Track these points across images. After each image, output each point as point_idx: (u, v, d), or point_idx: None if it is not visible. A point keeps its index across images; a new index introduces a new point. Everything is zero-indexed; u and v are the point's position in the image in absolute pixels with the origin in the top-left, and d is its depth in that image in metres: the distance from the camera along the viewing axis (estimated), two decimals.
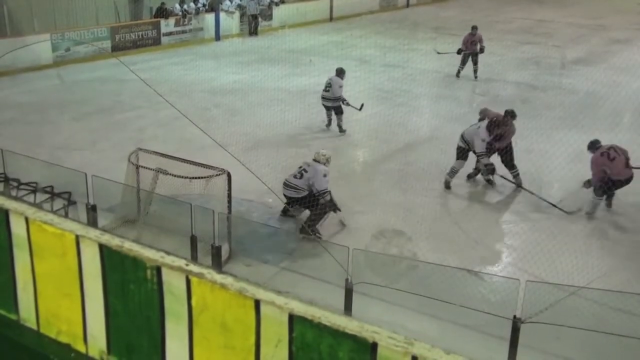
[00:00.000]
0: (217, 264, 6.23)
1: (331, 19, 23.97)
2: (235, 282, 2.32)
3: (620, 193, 8.41)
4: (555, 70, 15.91)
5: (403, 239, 7.17)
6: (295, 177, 7.36)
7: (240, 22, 20.97)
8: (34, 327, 2.81)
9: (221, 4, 20.31)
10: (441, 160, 9.51)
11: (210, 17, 19.91)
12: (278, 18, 22.00)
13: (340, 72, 11.02)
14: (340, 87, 10.82)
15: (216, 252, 6.34)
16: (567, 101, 13.00)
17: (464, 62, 14.92)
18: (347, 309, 5.42)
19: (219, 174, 6.69)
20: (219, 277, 2.35)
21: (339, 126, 10.95)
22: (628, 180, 7.80)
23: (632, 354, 5.06)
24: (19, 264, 2.90)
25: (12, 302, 2.89)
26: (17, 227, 2.85)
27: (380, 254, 6.51)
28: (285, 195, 7.32)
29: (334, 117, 11.09)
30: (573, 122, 11.31)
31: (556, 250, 6.83)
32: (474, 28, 14.88)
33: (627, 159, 7.91)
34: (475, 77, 15.01)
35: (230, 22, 20.53)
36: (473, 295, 5.60)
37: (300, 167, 7.49)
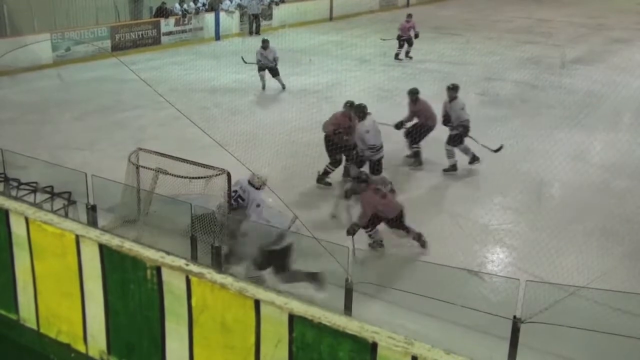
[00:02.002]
0: (217, 264, 6.22)
1: (331, 18, 23.96)
2: (235, 282, 2.32)
3: (621, 193, 8.43)
4: (555, 70, 15.90)
5: (403, 238, 7.17)
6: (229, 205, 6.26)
7: (240, 21, 20.96)
8: (34, 326, 2.81)
9: (221, 3, 20.31)
10: (441, 160, 9.51)
11: (210, 17, 19.91)
12: (278, 17, 21.99)
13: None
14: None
15: (216, 252, 6.33)
16: (567, 100, 12.98)
17: (401, 46, 17.32)
18: (347, 309, 5.42)
19: (219, 174, 6.68)
20: (219, 277, 2.35)
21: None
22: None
23: (632, 353, 5.06)
24: (19, 263, 2.89)
25: (12, 301, 2.89)
26: (17, 227, 2.85)
27: (381, 253, 6.50)
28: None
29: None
30: (573, 122, 11.30)
31: (556, 250, 6.82)
32: (409, 16, 17.47)
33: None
34: (410, 58, 17.29)
35: (230, 21, 20.52)
36: (473, 295, 5.59)
37: (235, 193, 6.37)
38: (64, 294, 2.74)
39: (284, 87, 13.88)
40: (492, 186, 8.74)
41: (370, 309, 5.61)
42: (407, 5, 28.95)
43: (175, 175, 6.96)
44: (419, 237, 6.83)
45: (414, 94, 9.49)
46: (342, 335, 2.08)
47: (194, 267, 2.35)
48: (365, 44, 19.28)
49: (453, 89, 9.31)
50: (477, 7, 28.10)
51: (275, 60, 13.70)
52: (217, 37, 19.97)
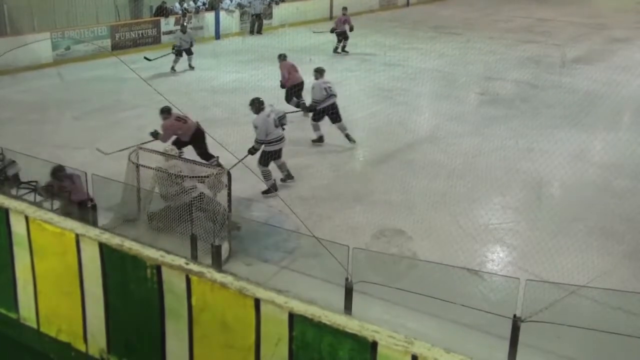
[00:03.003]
0: (217, 263, 6.23)
1: (331, 17, 23.92)
2: (235, 281, 2.32)
3: (621, 192, 8.43)
4: (555, 69, 15.90)
5: (403, 238, 7.17)
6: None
7: (241, 20, 20.95)
8: (34, 325, 2.82)
9: (221, 2, 20.30)
10: (441, 159, 9.52)
11: (210, 16, 19.90)
12: (278, 17, 21.98)
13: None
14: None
15: (216, 251, 6.34)
16: (567, 100, 12.98)
17: (339, 40, 17.86)
18: (347, 308, 5.42)
19: (220, 173, 6.69)
20: (219, 276, 2.35)
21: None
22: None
23: (632, 353, 5.06)
24: (19, 262, 2.90)
25: (12, 300, 2.90)
26: (17, 226, 2.86)
27: (381, 253, 6.51)
28: None
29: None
30: (573, 121, 11.30)
31: (556, 250, 6.82)
32: (344, 9, 18.22)
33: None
34: (346, 52, 17.88)
35: (230, 20, 20.52)
36: (473, 294, 5.59)
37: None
38: (64, 293, 2.74)
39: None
40: (492, 186, 8.73)
41: (370, 308, 5.61)
42: (407, 4, 28.94)
43: (175, 175, 6.97)
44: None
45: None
46: (342, 334, 2.08)
47: (194, 266, 2.35)
48: (365, 43, 19.28)
49: (317, 72, 10.42)
50: (478, 7, 28.09)
51: (192, 42, 15.90)
52: (217, 36, 19.97)
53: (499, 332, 5.11)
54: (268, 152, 8.19)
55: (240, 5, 20.95)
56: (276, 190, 8.08)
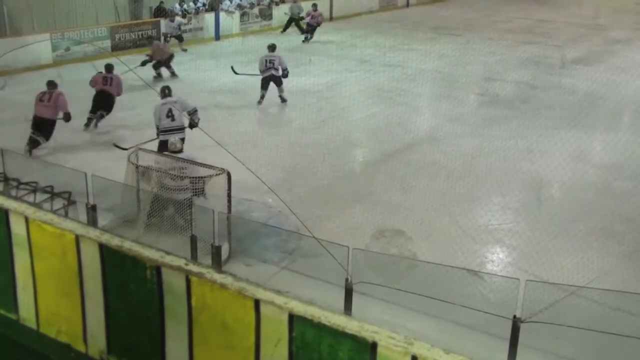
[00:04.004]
0: (217, 263, 6.23)
1: (331, 18, 23.93)
2: (235, 281, 2.32)
3: (621, 193, 8.43)
4: (555, 70, 15.90)
5: (403, 238, 7.17)
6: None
7: (241, 21, 20.95)
8: (34, 326, 2.81)
9: (221, 3, 20.30)
10: (441, 160, 9.52)
11: (210, 17, 19.89)
12: (278, 18, 21.98)
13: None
14: None
15: (216, 251, 6.33)
16: (567, 101, 12.99)
17: (308, 31, 19.71)
18: (347, 309, 5.42)
19: (219, 174, 6.69)
20: (218, 277, 2.35)
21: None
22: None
23: (632, 353, 5.06)
24: (18, 263, 2.89)
25: (12, 301, 2.89)
26: (17, 227, 2.85)
27: (380, 253, 6.50)
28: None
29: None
30: (573, 122, 11.30)
31: (556, 250, 6.82)
32: (315, 5, 19.92)
33: None
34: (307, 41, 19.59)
35: (230, 21, 20.50)
36: (473, 294, 5.59)
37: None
38: (63, 293, 2.74)
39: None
40: (492, 186, 8.73)
41: (370, 308, 5.61)
42: (407, 5, 28.94)
43: (175, 175, 6.97)
44: None
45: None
46: (342, 335, 2.08)
47: (193, 267, 2.35)
48: (365, 44, 19.29)
49: (268, 47, 12.46)
50: (477, 8, 28.10)
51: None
52: (217, 37, 19.96)
53: (499, 332, 5.10)
54: (160, 142, 8.37)
55: (240, 6, 20.95)
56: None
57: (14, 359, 2.95)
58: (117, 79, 11.33)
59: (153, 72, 14.77)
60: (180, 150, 7.38)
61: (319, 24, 19.76)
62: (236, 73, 13.50)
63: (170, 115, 8.41)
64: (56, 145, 9.98)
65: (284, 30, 21.14)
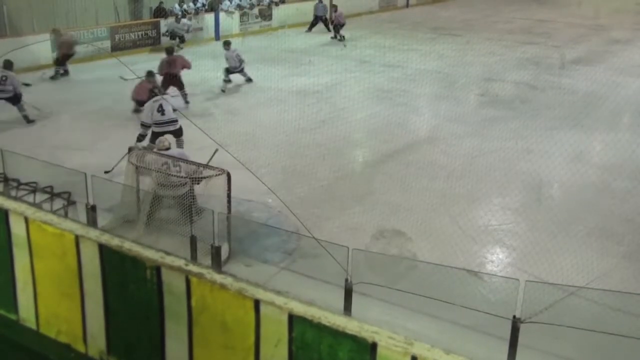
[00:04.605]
0: (217, 264, 6.23)
1: (331, 18, 23.95)
2: (234, 282, 2.32)
3: (621, 193, 8.43)
4: (555, 70, 15.92)
5: (403, 239, 7.17)
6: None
7: (240, 22, 20.96)
8: (34, 327, 2.82)
9: (221, 3, 20.31)
10: (441, 160, 9.52)
11: (209, 17, 19.90)
12: (278, 18, 21.99)
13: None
14: None
15: (216, 252, 6.33)
16: (567, 101, 13.00)
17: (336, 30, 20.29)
18: (347, 309, 5.42)
19: (219, 174, 6.69)
20: (218, 277, 2.35)
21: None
22: None
23: (632, 354, 5.06)
24: (18, 263, 2.90)
25: (12, 302, 2.90)
26: (17, 227, 2.86)
27: (380, 254, 6.51)
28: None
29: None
30: (573, 122, 11.31)
31: (556, 251, 6.83)
32: (334, 6, 21.23)
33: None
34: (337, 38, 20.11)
35: (230, 22, 20.51)
36: (473, 295, 5.59)
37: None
38: (63, 294, 2.74)
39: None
40: (491, 186, 8.74)
41: (370, 309, 5.61)
42: (407, 5, 28.95)
43: (175, 175, 6.98)
44: None
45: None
46: (342, 335, 2.08)
47: (193, 267, 2.35)
48: (364, 44, 19.30)
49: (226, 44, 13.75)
50: (477, 8, 28.12)
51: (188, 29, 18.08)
52: (217, 37, 19.96)
53: (499, 333, 5.11)
54: (154, 133, 9.20)
55: (239, 7, 20.96)
56: None
57: (14, 359, 2.95)
58: (180, 59, 12.71)
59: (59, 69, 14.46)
60: (168, 148, 7.45)
61: (339, 24, 20.09)
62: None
63: (160, 110, 9.22)
64: (56, 145, 9.96)
65: (310, 29, 21.79)
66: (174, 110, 9.61)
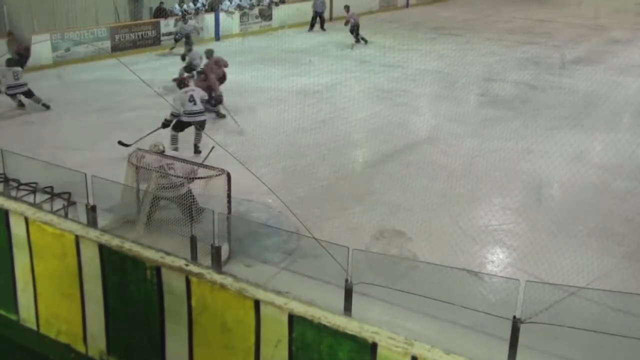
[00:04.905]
0: (217, 264, 6.22)
1: (331, 18, 23.94)
2: (235, 282, 2.32)
3: (621, 193, 8.44)
4: (555, 70, 15.91)
5: (403, 239, 7.17)
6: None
7: (240, 22, 20.96)
8: (34, 327, 2.82)
9: (221, 4, 20.31)
10: (441, 160, 9.52)
11: (209, 17, 19.90)
12: (278, 18, 21.98)
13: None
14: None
15: (216, 252, 6.33)
16: (567, 101, 13.00)
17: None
18: (347, 310, 5.41)
19: (219, 174, 6.69)
20: (218, 278, 2.35)
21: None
22: None
23: (632, 354, 5.06)
24: (18, 264, 2.90)
25: (12, 302, 2.90)
26: (17, 228, 2.86)
27: (380, 254, 6.50)
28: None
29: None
30: (573, 122, 11.31)
31: (556, 251, 6.82)
32: (346, 7, 19.67)
33: None
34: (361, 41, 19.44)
35: (230, 22, 20.51)
36: (473, 295, 5.59)
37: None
38: (63, 294, 2.74)
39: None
40: (491, 186, 8.74)
41: (370, 309, 5.60)
42: (407, 5, 28.94)
43: (174, 176, 6.98)
44: None
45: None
46: (342, 336, 2.08)
47: (193, 268, 2.35)
48: (364, 44, 19.29)
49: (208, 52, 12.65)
50: (477, 8, 28.10)
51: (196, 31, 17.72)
52: (217, 37, 19.96)
53: (499, 333, 5.10)
54: (182, 122, 9.64)
55: (239, 7, 20.96)
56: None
57: None
58: (221, 58, 12.75)
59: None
60: (162, 151, 7.43)
61: (355, 24, 19.38)
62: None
63: (192, 100, 9.60)
64: (56, 145, 9.96)
65: (311, 27, 21.76)
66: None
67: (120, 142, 9.53)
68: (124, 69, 11.56)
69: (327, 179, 8.90)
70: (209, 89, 11.39)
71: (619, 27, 23.27)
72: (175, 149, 9.38)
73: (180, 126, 9.64)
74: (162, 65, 15.93)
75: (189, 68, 14.20)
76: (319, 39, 20.35)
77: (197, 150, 9.62)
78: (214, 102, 11.52)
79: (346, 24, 19.59)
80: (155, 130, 9.57)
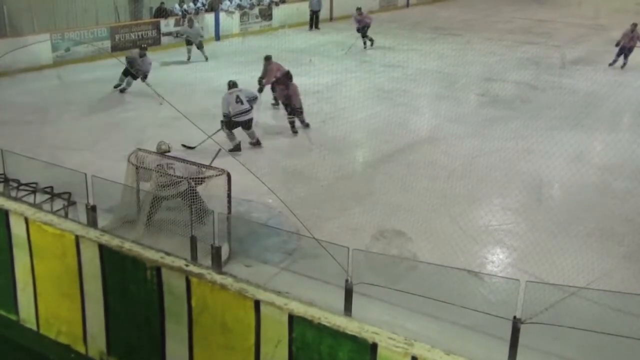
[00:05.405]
0: (217, 264, 6.22)
1: (331, 18, 23.95)
2: (235, 282, 2.32)
3: (621, 193, 8.43)
4: (555, 70, 15.90)
5: (403, 239, 7.17)
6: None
7: (240, 22, 20.96)
8: (34, 327, 2.82)
9: (221, 3, 20.31)
10: (441, 161, 9.52)
11: (210, 17, 19.90)
12: (278, 18, 21.98)
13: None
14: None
15: (216, 252, 6.33)
16: (567, 101, 12.99)
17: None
18: (347, 310, 5.41)
19: (219, 174, 6.69)
20: (218, 278, 2.35)
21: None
22: None
23: (632, 354, 5.06)
24: (18, 264, 2.90)
25: (12, 302, 2.90)
26: (17, 228, 2.86)
27: (381, 254, 6.50)
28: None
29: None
30: (573, 122, 11.31)
31: (556, 251, 6.82)
32: (358, 9, 19.27)
33: None
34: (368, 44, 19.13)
35: (230, 22, 20.51)
36: (473, 295, 5.59)
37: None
38: (63, 294, 2.74)
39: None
40: (492, 187, 8.74)
41: (370, 309, 5.60)
42: (407, 5, 28.94)
43: (175, 176, 6.97)
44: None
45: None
46: (342, 336, 2.08)
47: (193, 268, 2.35)
48: (371, 45, 19.27)
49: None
50: (477, 8, 28.10)
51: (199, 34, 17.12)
52: (217, 37, 19.96)
53: (499, 333, 5.10)
54: (232, 122, 9.88)
55: (240, 7, 20.96)
56: (239, 150, 9.83)
57: None
58: (277, 63, 12.64)
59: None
60: (168, 151, 7.44)
61: (366, 25, 18.91)
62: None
63: (239, 100, 9.85)
64: (56, 145, 9.96)
65: (311, 27, 22.00)
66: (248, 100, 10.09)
67: (184, 145, 9.73)
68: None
69: (328, 179, 8.90)
70: (288, 97, 11.03)
71: (619, 27, 23.22)
72: (237, 146, 9.85)
73: (231, 125, 9.92)
74: (162, 65, 15.92)
75: None
76: (319, 39, 20.34)
77: (256, 143, 10.13)
78: (289, 110, 10.98)
79: (362, 28, 18.94)
80: (217, 132, 9.63)
